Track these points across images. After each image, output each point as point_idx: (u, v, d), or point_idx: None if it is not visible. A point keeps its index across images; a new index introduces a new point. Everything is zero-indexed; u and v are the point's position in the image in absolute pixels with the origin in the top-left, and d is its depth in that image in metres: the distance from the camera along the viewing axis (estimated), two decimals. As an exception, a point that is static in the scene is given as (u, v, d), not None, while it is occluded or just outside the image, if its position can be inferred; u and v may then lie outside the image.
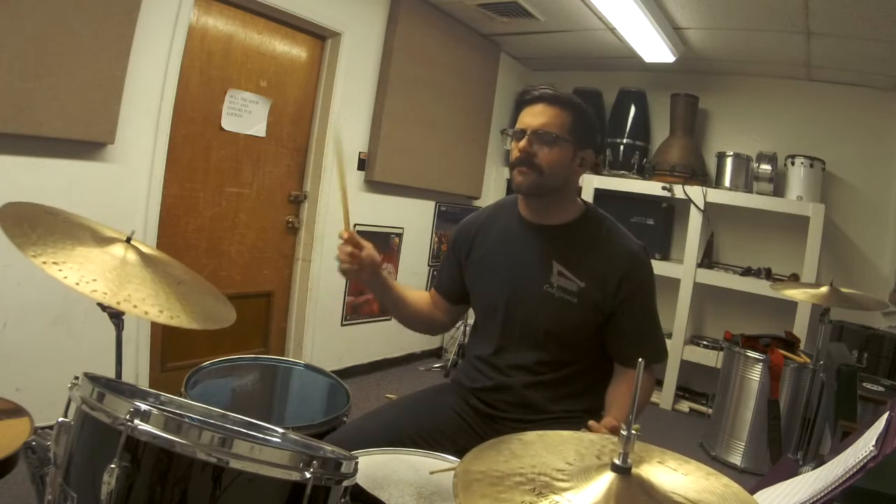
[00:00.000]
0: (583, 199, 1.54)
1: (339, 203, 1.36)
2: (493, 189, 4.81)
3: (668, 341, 4.30)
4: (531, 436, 0.89)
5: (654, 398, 4.11)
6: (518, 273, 1.49)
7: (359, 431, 1.41)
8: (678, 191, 4.06)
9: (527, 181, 1.41)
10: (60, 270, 1.08)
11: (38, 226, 1.17)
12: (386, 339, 4.01)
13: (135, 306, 1.10)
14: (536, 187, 1.42)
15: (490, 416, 1.51)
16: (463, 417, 1.52)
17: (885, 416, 1.07)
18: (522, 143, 1.41)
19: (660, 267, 3.95)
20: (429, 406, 1.54)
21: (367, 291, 1.52)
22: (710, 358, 3.95)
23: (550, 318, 1.44)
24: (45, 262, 1.08)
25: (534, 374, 1.47)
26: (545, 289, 1.44)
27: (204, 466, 0.80)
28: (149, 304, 1.13)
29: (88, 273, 1.11)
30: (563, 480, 0.75)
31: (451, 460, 1.25)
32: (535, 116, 1.41)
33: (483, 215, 1.65)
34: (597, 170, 4.21)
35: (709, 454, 3.33)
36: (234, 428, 1.09)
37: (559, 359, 1.47)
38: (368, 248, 1.44)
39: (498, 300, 1.51)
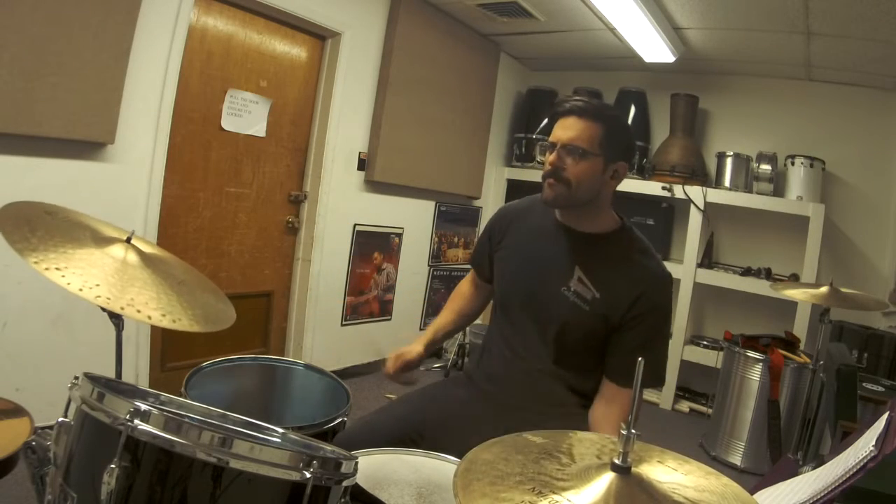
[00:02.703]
0: (620, 216, 1.55)
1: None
2: (493, 189, 4.81)
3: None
4: (532, 435, 0.89)
5: (654, 398, 4.12)
6: (542, 269, 1.52)
7: (370, 426, 1.45)
8: (678, 191, 4.06)
9: (554, 193, 1.44)
10: (63, 276, 1.07)
11: (38, 229, 1.17)
12: (386, 338, 4.01)
13: (138, 311, 1.10)
14: (564, 199, 1.44)
15: (497, 405, 1.53)
16: (470, 411, 1.54)
17: (885, 416, 1.07)
18: (552, 156, 1.43)
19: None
20: (437, 400, 1.58)
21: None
22: (710, 358, 3.95)
23: (562, 319, 1.46)
24: (47, 269, 1.07)
25: (543, 365, 1.49)
26: (563, 290, 1.46)
27: (204, 466, 0.80)
28: (151, 308, 1.12)
29: (91, 278, 1.10)
30: (562, 480, 0.75)
31: (451, 460, 1.26)
32: (565, 130, 1.42)
33: (522, 205, 1.69)
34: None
35: (709, 454, 3.33)
36: (234, 428, 1.09)
37: (568, 358, 1.48)
38: (400, 364, 1.64)
39: (518, 290, 1.55)
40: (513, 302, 1.56)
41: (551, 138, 1.45)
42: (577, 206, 1.47)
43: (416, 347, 1.66)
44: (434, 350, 1.67)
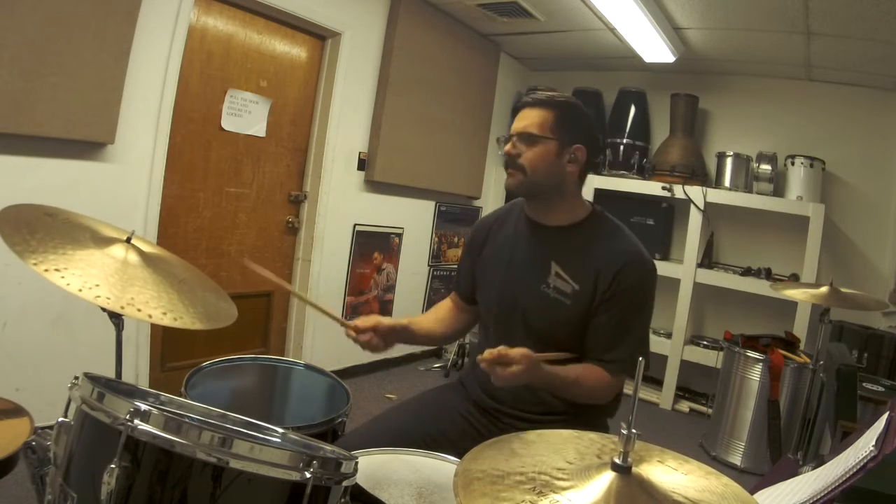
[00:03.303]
0: (591, 203, 1.55)
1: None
2: (493, 189, 4.81)
3: (667, 341, 4.23)
4: (532, 435, 0.89)
5: (654, 398, 4.12)
6: (519, 272, 1.50)
7: (367, 437, 1.43)
8: (678, 191, 4.06)
9: (514, 181, 1.46)
10: (63, 277, 1.07)
11: (37, 230, 1.16)
12: (386, 339, 4.01)
13: (139, 310, 1.10)
14: (525, 186, 1.45)
15: (492, 412, 1.52)
16: (467, 418, 1.54)
17: (885, 416, 1.07)
18: (507, 146, 1.47)
19: (660, 267, 3.90)
20: (434, 408, 1.56)
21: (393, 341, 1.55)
22: (710, 358, 3.95)
23: (544, 318, 1.45)
24: (46, 270, 1.07)
25: None
26: (542, 289, 1.45)
27: (204, 466, 0.80)
28: (152, 307, 1.12)
29: (91, 278, 1.10)
30: (563, 479, 0.75)
31: (451, 460, 1.26)
32: (519, 121, 1.47)
33: (497, 214, 1.69)
34: (595, 168, 4.21)
35: (709, 454, 3.33)
36: (234, 428, 1.09)
37: (558, 359, 1.46)
38: (370, 323, 1.46)
39: (499, 296, 1.53)
40: (498, 310, 1.53)
41: (510, 132, 1.49)
42: (542, 195, 1.47)
43: (391, 321, 1.52)
44: (403, 340, 1.53)
